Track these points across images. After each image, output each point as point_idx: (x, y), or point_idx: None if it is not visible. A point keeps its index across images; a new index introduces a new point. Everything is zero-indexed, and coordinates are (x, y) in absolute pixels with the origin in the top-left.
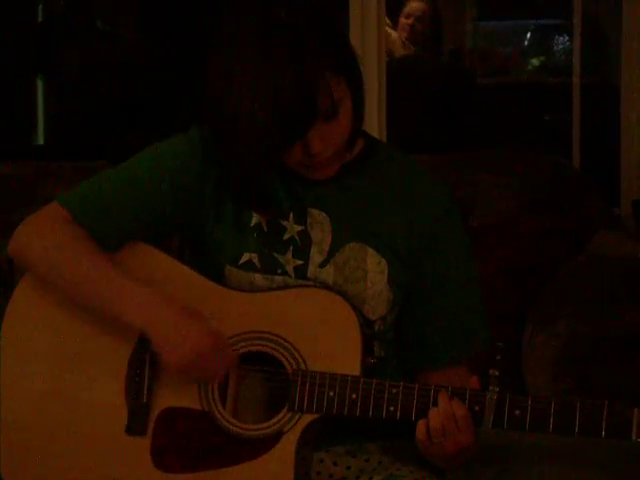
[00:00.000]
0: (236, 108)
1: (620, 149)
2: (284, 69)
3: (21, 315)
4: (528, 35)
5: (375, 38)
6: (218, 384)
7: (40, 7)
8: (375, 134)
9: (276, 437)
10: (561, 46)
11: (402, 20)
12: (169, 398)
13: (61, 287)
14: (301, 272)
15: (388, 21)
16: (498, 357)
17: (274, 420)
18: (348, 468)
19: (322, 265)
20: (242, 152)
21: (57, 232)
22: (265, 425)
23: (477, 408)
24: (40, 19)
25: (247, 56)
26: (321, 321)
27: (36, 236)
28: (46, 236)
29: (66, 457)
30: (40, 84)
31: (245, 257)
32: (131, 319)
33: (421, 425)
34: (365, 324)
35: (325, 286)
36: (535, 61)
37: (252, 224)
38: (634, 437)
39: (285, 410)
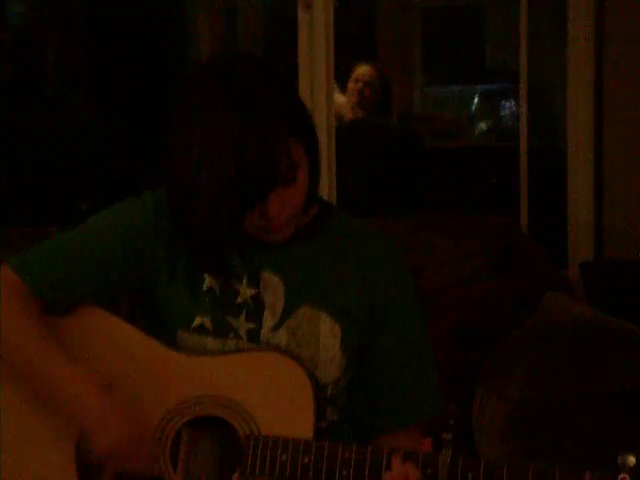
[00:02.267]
0: (196, 174)
1: (567, 212)
2: (245, 136)
3: None
4: (475, 100)
5: (324, 102)
6: (170, 449)
7: None
8: (324, 197)
9: None
10: (508, 111)
11: (351, 85)
12: (118, 464)
13: (3, 357)
14: (254, 336)
15: (337, 86)
16: (451, 421)
17: None
18: None
19: (275, 329)
20: (201, 218)
21: (5, 300)
22: None
23: (430, 471)
24: None
25: (207, 123)
26: (274, 385)
27: None
28: None
29: None
30: None
31: (197, 321)
32: (61, 409)
33: None
34: (318, 388)
35: (278, 349)
36: (482, 125)
37: (204, 288)
38: None
39: (237, 474)
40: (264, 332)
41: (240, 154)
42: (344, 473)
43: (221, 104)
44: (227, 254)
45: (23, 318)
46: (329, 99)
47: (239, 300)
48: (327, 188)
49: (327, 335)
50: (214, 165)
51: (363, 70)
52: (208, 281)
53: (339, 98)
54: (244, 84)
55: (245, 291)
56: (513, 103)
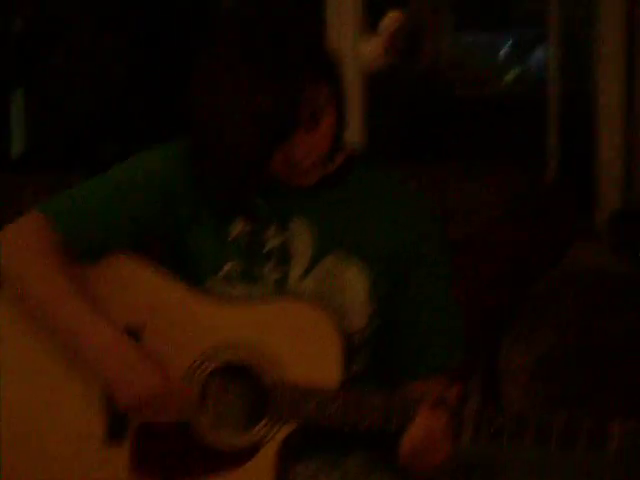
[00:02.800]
0: (220, 116)
1: (596, 160)
2: (268, 76)
3: (2, 325)
4: (505, 47)
5: (352, 50)
6: (198, 394)
7: (17, 18)
8: (355, 146)
9: (255, 449)
10: (537, 58)
11: (380, 32)
12: (145, 416)
13: (30, 305)
14: (281, 283)
15: (366, 33)
16: (477, 368)
17: (253, 431)
18: None
19: (302, 277)
20: (226, 161)
21: (34, 246)
22: (244, 436)
23: (456, 419)
24: (19, 28)
25: (230, 66)
26: (302, 332)
27: (12, 248)
28: (22, 250)
29: (42, 467)
30: (18, 96)
31: (226, 268)
32: (84, 356)
33: (402, 438)
34: (345, 336)
35: (306, 298)
36: (512, 73)
37: (232, 235)
38: (611, 449)
39: (264, 421)
40: (292, 280)
41: (263, 96)
42: (370, 421)
43: (245, 46)
44: (254, 200)
45: (49, 265)
46: (358, 46)
47: (267, 248)
48: (357, 136)
49: (354, 283)
50: (237, 107)
51: (393, 16)
52: (236, 229)
53: (368, 45)
54: (268, 27)
55: (273, 239)
56: (543, 50)
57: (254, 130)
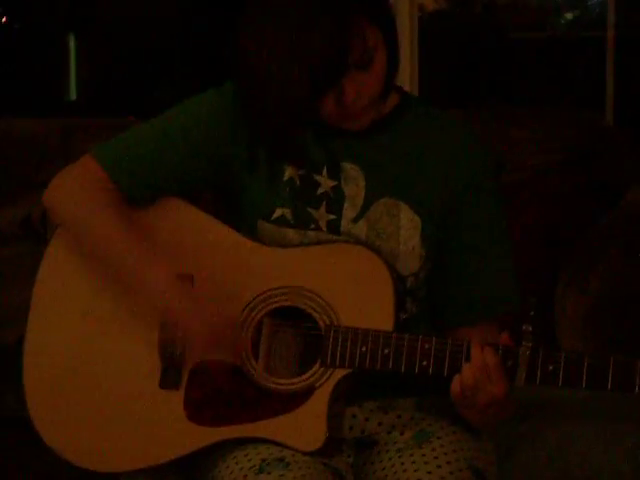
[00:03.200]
0: (269, 57)
1: None
2: (317, 16)
3: (54, 270)
4: None
5: None
6: (251, 339)
7: None
8: (407, 89)
9: (308, 392)
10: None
11: None
12: (203, 352)
13: (87, 246)
14: (334, 227)
15: None
16: (531, 312)
17: (306, 375)
18: (380, 424)
19: (355, 220)
20: (276, 103)
21: (88, 190)
22: (297, 380)
23: (510, 363)
24: None
25: (279, 4)
26: (354, 276)
27: (68, 192)
28: (77, 193)
29: (99, 412)
30: (72, 40)
31: (278, 212)
32: (147, 297)
33: (455, 379)
34: (398, 280)
35: (359, 241)
36: (569, 15)
37: (285, 179)
38: None
39: (318, 365)
40: (344, 223)
41: (312, 35)
42: (424, 364)
43: None
44: (306, 144)
45: (104, 207)
46: None
47: (319, 191)
48: (410, 80)
49: (407, 227)
50: (287, 47)
51: None
52: (288, 172)
53: None
54: None
55: (325, 182)
56: None
57: (304, 69)
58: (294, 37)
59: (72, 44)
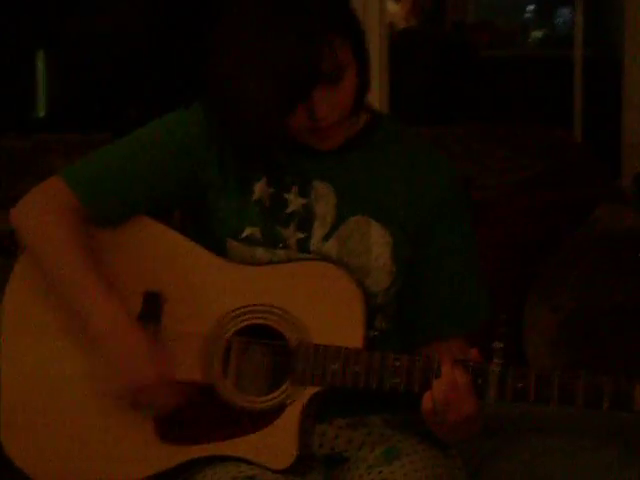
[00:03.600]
0: (240, 68)
1: (622, 122)
2: (288, 28)
3: (21, 288)
4: (530, 7)
5: (377, 11)
6: (221, 357)
7: None
8: (378, 107)
9: (279, 410)
10: (563, 18)
11: None
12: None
13: (44, 268)
14: (304, 246)
15: None
16: (501, 329)
17: (277, 393)
18: (350, 441)
19: (325, 238)
20: (248, 115)
21: (53, 211)
22: (268, 398)
23: (480, 380)
24: None
25: (250, 19)
26: (324, 294)
27: (32, 212)
28: (41, 214)
29: (68, 431)
30: (41, 56)
31: (247, 231)
32: (90, 333)
33: (426, 396)
34: (368, 296)
35: (328, 259)
36: (537, 33)
37: (254, 198)
38: (636, 409)
39: (288, 383)
40: (314, 242)
41: (283, 47)
42: (395, 381)
43: (263, 2)
44: (277, 162)
45: (69, 234)
46: (382, 7)
47: (289, 210)
48: (380, 97)
49: (378, 243)
50: (257, 60)
51: None
52: (258, 192)
53: (392, 7)
54: None
55: (295, 201)
56: (569, 10)
57: (276, 80)
58: (265, 48)
59: (41, 60)
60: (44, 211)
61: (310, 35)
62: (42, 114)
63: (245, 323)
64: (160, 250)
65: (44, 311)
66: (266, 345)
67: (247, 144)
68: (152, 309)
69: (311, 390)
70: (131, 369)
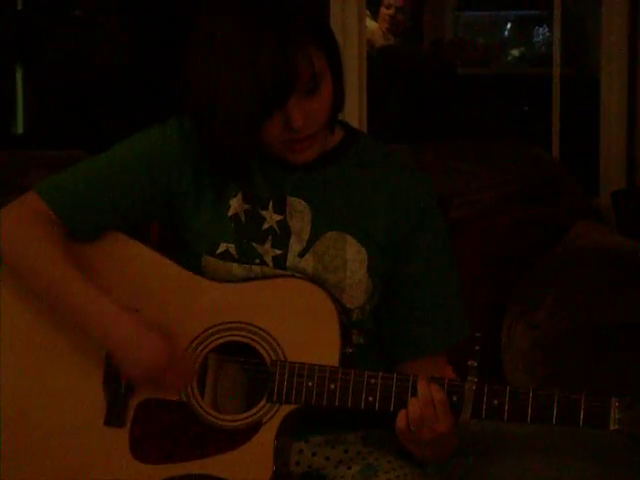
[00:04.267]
0: (217, 76)
1: (599, 140)
2: (263, 39)
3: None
4: (508, 26)
5: (355, 28)
6: (197, 375)
7: None
8: (356, 124)
9: (255, 428)
10: (541, 37)
11: (383, 10)
12: (147, 389)
13: (27, 282)
14: (280, 262)
15: (368, 12)
16: (477, 347)
17: (253, 410)
18: (327, 459)
19: (301, 254)
20: (226, 124)
21: (31, 227)
22: (244, 416)
23: (455, 398)
24: (19, 7)
25: (225, 28)
26: (300, 311)
27: (10, 229)
28: (17, 228)
29: (43, 449)
30: (19, 73)
31: (222, 247)
32: (90, 333)
33: (401, 414)
34: (344, 313)
35: (304, 276)
36: (515, 52)
37: (230, 214)
38: (611, 426)
39: (264, 400)
40: (290, 258)
41: (258, 57)
42: (370, 399)
43: (240, 11)
44: (252, 178)
45: (47, 243)
46: (361, 25)
47: (265, 226)
48: (359, 114)
49: (354, 259)
50: (233, 68)
51: None
52: (234, 208)
53: (370, 24)
54: None
55: (271, 217)
56: (546, 29)
57: (252, 88)
58: (242, 54)
59: (19, 76)
60: (19, 224)
61: (287, 42)
62: (20, 131)
63: (221, 340)
64: (136, 267)
65: (22, 326)
66: (242, 363)
67: (223, 155)
68: None
69: (287, 408)
70: (142, 350)
